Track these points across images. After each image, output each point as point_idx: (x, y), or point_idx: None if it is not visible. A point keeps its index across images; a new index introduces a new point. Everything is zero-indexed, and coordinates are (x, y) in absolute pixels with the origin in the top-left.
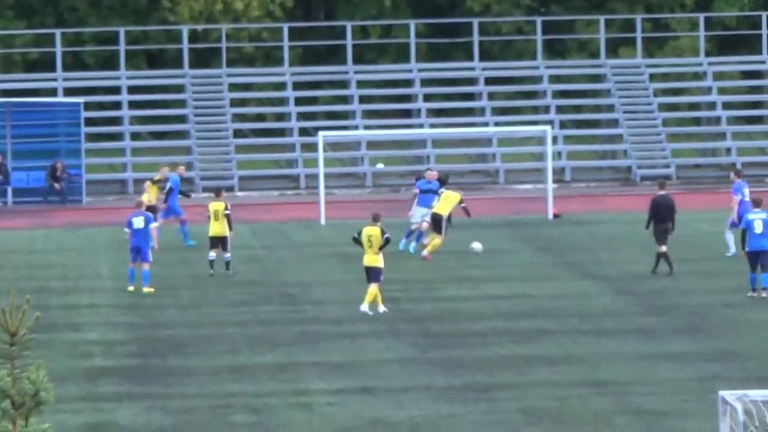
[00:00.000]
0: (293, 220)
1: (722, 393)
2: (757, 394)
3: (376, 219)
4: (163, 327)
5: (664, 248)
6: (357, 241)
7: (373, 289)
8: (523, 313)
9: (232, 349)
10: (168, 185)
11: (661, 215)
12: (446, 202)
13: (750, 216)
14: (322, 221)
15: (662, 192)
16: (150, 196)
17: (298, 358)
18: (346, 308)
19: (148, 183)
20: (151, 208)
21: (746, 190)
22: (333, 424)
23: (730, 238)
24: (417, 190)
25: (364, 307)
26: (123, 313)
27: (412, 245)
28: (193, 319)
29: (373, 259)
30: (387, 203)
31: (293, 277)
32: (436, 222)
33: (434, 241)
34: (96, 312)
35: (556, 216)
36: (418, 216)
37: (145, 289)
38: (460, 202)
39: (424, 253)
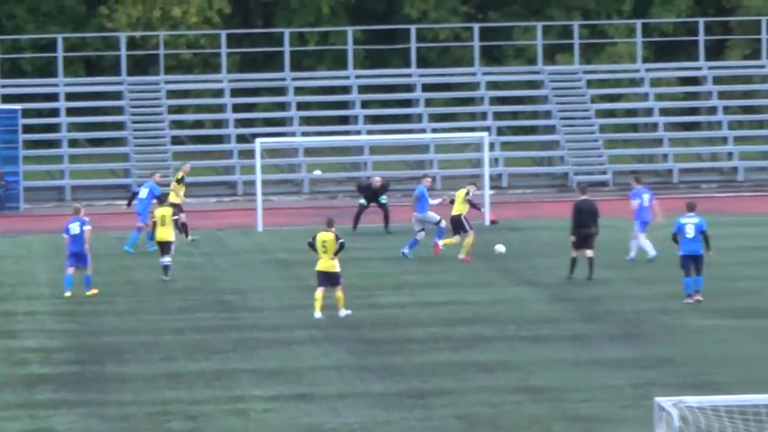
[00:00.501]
0: (231, 226)
1: (658, 399)
2: (692, 400)
3: (329, 224)
4: (101, 334)
5: (589, 253)
6: (312, 246)
7: (339, 293)
8: (460, 319)
9: (169, 357)
10: (147, 190)
11: (584, 220)
12: (458, 200)
13: (683, 220)
14: (260, 228)
15: (584, 197)
16: (177, 195)
17: (235, 365)
18: (283, 315)
19: (173, 184)
20: (178, 206)
21: (645, 196)
22: (269, 430)
23: (634, 243)
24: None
25: (342, 311)
26: (60, 320)
27: (407, 250)
28: (131, 326)
29: (329, 264)
30: (324, 210)
31: (230, 284)
32: (456, 223)
33: (466, 241)
34: (33, 319)
35: (493, 222)
36: (421, 222)
37: (89, 292)
38: (466, 194)
39: (461, 255)
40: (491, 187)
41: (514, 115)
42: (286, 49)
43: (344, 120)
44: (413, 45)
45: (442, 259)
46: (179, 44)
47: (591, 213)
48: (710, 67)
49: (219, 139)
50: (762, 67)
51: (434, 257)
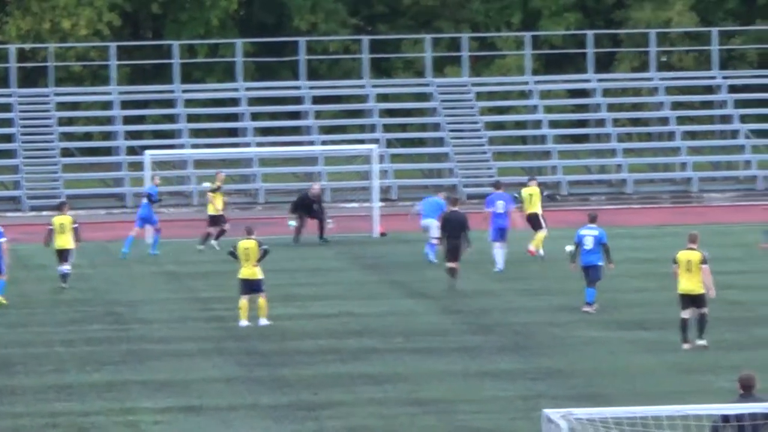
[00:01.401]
0: (121, 238)
1: (546, 411)
2: (581, 411)
3: (250, 232)
4: None
5: (454, 264)
6: (233, 255)
7: (262, 300)
8: (349, 331)
9: (59, 368)
10: (147, 193)
11: (453, 232)
12: (534, 199)
13: (582, 231)
14: (149, 240)
15: (454, 209)
16: (215, 205)
17: (126, 377)
18: (173, 327)
19: (209, 194)
20: (218, 218)
21: (500, 203)
22: None
23: (496, 253)
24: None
25: (263, 320)
26: None
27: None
28: (21, 338)
29: (252, 271)
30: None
31: (121, 296)
32: (535, 220)
33: (539, 235)
34: None
35: (382, 234)
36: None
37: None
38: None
39: (531, 247)
40: (381, 200)
41: (404, 128)
42: (176, 61)
43: (234, 132)
44: (302, 57)
45: (332, 271)
46: (69, 56)
47: (459, 224)
48: (599, 80)
49: (108, 151)
50: (650, 79)
51: (325, 269)
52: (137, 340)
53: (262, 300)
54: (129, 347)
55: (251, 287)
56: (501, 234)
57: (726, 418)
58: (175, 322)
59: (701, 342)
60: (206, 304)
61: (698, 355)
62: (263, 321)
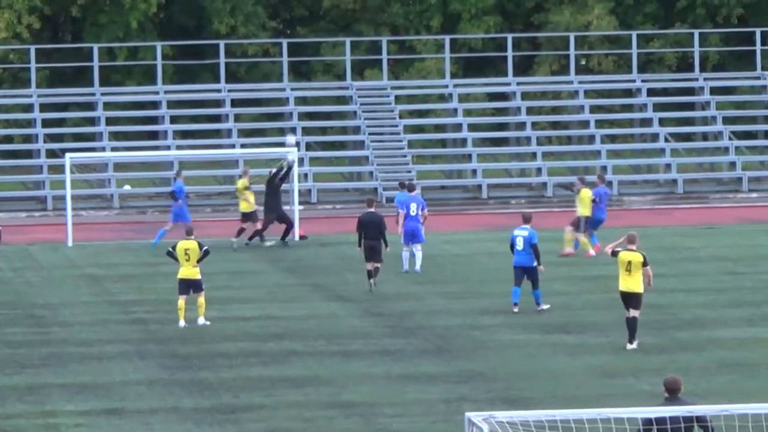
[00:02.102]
0: (41, 241)
1: (469, 414)
2: (503, 414)
3: (189, 233)
4: None
5: (373, 265)
6: (171, 255)
7: (201, 299)
8: (269, 334)
9: None
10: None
11: (370, 233)
12: (584, 202)
13: (515, 232)
14: (70, 243)
15: (370, 209)
16: (249, 203)
17: (47, 380)
18: (94, 330)
19: (239, 193)
20: (252, 214)
21: (413, 205)
22: None
23: (405, 255)
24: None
25: (201, 320)
26: None
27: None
28: None
29: (192, 272)
30: (134, 225)
31: (41, 299)
32: (578, 224)
33: (571, 237)
34: None
35: (302, 237)
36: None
37: None
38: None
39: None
40: (300, 202)
41: (324, 131)
42: (95, 64)
43: (154, 135)
44: (222, 60)
45: (251, 274)
46: None
47: (376, 225)
48: (519, 83)
49: (28, 153)
50: (570, 82)
51: (245, 272)
52: (58, 343)
53: (201, 299)
54: (50, 350)
55: (190, 287)
56: (413, 236)
57: (649, 422)
58: (96, 324)
59: (631, 346)
60: (127, 306)
61: (619, 358)
62: (202, 320)
